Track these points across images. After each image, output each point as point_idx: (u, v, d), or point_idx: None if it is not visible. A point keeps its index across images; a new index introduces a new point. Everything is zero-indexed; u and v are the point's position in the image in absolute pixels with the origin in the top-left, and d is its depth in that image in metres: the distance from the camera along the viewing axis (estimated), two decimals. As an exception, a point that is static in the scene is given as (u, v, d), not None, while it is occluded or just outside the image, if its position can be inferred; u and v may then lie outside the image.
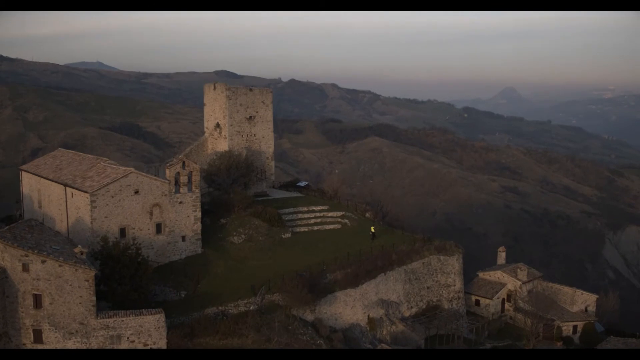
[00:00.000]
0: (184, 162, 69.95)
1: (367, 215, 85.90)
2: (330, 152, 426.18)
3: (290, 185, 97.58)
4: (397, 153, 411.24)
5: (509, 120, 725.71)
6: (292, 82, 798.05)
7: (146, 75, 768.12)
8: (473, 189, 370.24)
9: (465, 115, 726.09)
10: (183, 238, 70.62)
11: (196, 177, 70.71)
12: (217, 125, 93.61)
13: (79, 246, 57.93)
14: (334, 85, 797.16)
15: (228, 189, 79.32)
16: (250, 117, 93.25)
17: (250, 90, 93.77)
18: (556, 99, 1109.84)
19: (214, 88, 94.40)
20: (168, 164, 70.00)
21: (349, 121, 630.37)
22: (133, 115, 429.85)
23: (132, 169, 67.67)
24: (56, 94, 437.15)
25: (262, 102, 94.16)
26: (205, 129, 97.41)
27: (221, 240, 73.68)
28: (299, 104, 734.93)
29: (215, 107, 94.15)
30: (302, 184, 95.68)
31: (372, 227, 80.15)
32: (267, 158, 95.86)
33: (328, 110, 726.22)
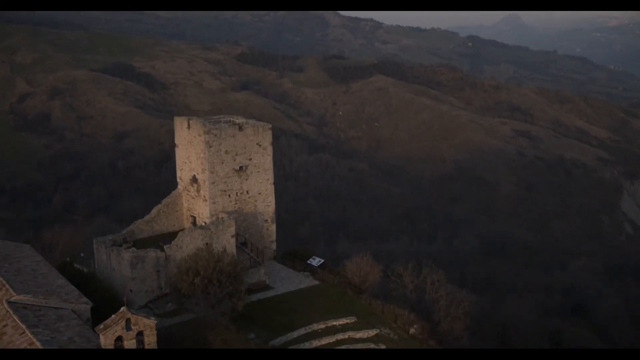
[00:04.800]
0: (128, 320, 39.95)
1: (412, 331, 56.23)
2: (334, 92, 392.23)
3: (299, 257, 67.23)
4: (403, 93, 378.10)
5: (514, 50, 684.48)
6: (293, 10, 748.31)
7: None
8: (483, 133, 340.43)
9: (470, 44, 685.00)
10: None
11: (151, 338, 40.92)
12: (194, 180, 62.74)
13: None
14: (335, 13, 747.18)
15: (206, 319, 49.50)
16: (241, 167, 62.34)
17: (240, 129, 61.82)
18: (560, 25, 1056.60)
19: (188, 126, 62.84)
20: (100, 327, 39.94)
21: (351, 51, 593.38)
22: (127, 53, 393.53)
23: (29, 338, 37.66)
24: (46, 33, 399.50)
25: (258, 144, 62.73)
26: (178, 180, 66.26)
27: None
28: (299, 33, 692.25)
29: (190, 153, 63.05)
30: (316, 262, 65.27)
31: None
32: (266, 221, 65.27)
33: (329, 39, 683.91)
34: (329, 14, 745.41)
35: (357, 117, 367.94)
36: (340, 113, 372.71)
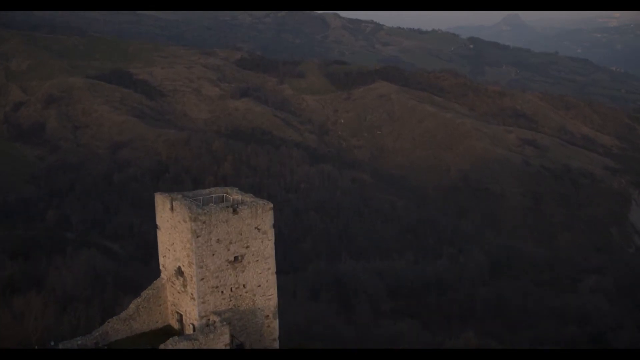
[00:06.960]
0: None
1: None
2: (335, 98, 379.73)
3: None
4: (406, 100, 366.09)
5: (515, 51, 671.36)
6: (293, 12, 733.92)
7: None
8: (488, 142, 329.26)
9: (471, 45, 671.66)
10: None
11: None
12: (180, 273, 51.25)
13: None
14: (335, 15, 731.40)
15: None
16: (236, 258, 50.75)
17: (235, 212, 50.36)
18: (561, 26, 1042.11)
19: (171, 208, 51.30)
20: None
21: (352, 53, 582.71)
22: (124, 59, 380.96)
23: None
24: (42, 39, 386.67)
25: (257, 228, 51.04)
26: (161, 268, 54.61)
27: None
28: (299, 34, 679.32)
29: (174, 239, 51.38)
30: (327, 369, 54.04)
31: None
32: (267, 317, 53.48)
33: (330, 41, 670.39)
34: (329, 16, 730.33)
35: (359, 124, 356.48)
36: (342, 121, 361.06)
